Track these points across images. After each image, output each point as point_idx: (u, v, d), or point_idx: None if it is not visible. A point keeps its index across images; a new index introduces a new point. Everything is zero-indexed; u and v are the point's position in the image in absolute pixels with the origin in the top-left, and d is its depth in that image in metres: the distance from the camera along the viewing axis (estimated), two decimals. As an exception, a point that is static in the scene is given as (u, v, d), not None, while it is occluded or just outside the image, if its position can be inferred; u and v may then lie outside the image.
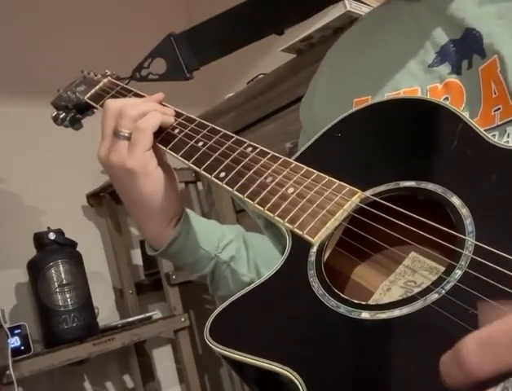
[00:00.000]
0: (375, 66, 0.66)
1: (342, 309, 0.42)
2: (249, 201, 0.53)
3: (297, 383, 0.39)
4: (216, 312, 0.46)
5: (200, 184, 1.94)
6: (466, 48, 0.58)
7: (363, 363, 0.39)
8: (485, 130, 0.49)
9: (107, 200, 1.92)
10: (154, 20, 2.21)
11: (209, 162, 0.59)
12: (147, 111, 0.63)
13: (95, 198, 1.94)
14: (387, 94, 0.63)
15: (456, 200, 0.44)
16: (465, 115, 0.50)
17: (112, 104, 0.64)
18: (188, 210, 0.71)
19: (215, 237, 0.72)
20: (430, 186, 0.47)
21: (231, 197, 1.61)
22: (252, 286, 0.47)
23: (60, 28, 1.97)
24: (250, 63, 1.89)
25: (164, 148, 0.63)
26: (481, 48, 0.56)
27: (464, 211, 0.43)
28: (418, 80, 0.61)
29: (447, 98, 0.58)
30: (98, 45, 2.00)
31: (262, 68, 1.67)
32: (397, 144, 0.53)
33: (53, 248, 1.60)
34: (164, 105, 0.67)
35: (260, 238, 0.79)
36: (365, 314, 0.41)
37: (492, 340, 0.30)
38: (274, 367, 0.40)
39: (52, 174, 1.85)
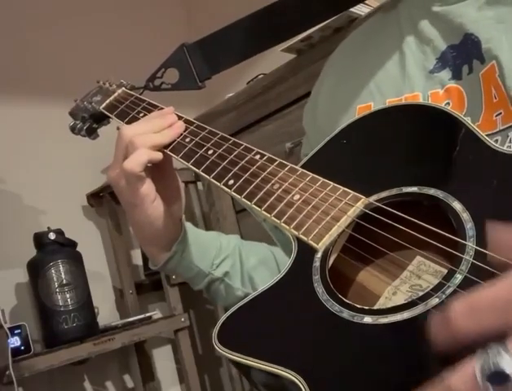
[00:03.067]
0: (375, 72, 0.66)
1: (345, 314, 0.43)
2: (257, 208, 0.55)
3: (302, 386, 0.39)
4: (223, 317, 0.47)
5: (200, 184, 1.94)
6: (466, 53, 0.58)
7: (365, 367, 0.39)
8: (487, 135, 0.49)
9: (107, 200, 1.91)
10: (154, 20, 2.21)
11: (218, 170, 0.61)
12: (157, 143, 0.65)
13: (95, 198, 1.93)
14: (388, 100, 0.63)
15: (457, 205, 0.45)
16: (467, 120, 0.51)
17: (126, 132, 0.65)
18: (189, 226, 0.73)
19: (211, 254, 0.73)
20: (432, 191, 0.47)
21: (231, 197, 1.61)
22: (258, 291, 0.49)
23: (56, 26, 1.97)
24: (250, 63, 1.87)
25: (175, 157, 0.66)
26: (480, 53, 0.57)
27: (465, 216, 0.44)
28: (419, 86, 0.61)
29: (448, 104, 0.58)
30: (96, 45, 2.00)
31: (262, 68, 1.67)
32: (400, 150, 0.54)
33: (53, 248, 1.60)
34: (177, 115, 0.69)
35: (259, 247, 0.80)
36: (367, 319, 0.41)
37: (477, 304, 0.32)
38: (278, 371, 0.41)
39: (52, 174, 1.84)
